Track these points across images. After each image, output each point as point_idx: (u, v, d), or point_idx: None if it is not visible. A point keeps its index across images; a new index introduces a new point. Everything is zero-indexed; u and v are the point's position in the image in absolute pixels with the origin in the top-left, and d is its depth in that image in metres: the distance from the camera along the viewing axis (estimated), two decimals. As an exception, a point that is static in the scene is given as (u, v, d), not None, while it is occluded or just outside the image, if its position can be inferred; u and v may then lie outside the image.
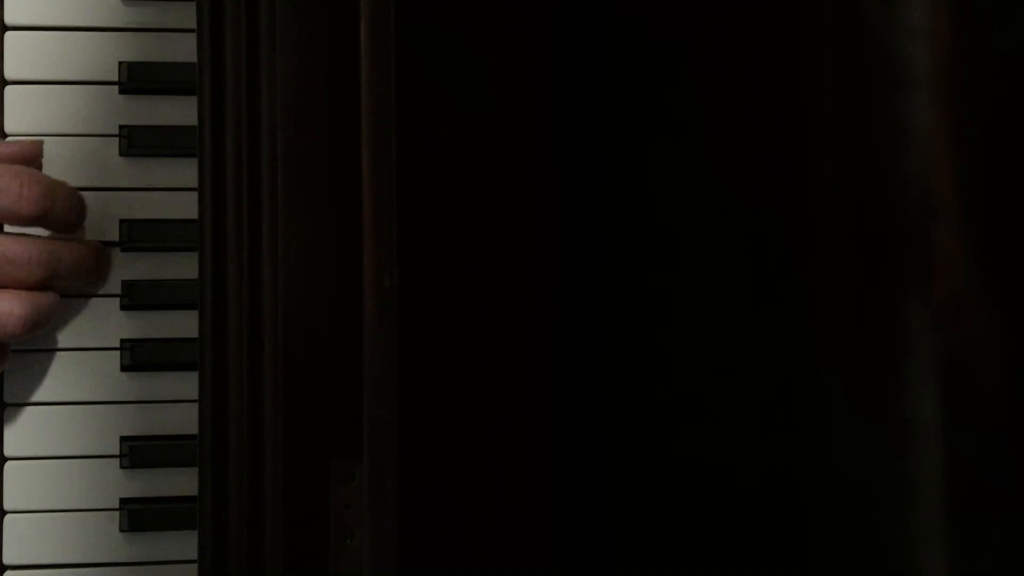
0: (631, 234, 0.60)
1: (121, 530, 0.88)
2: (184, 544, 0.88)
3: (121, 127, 0.89)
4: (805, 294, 0.60)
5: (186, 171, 0.89)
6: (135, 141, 0.89)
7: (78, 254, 0.87)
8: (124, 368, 0.88)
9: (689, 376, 0.60)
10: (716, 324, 0.60)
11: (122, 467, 0.88)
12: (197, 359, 0.73)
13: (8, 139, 0.88)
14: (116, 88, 0.89)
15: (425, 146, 0.58)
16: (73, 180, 0.88)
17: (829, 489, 0.60)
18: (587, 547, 0.59)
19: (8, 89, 0.89)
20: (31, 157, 0.88)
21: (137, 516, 0.88)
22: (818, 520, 0.60)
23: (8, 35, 0.89)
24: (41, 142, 0.88)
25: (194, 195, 0.77)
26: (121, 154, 0.89)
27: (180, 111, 0.90)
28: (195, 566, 0.73)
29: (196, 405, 0.74)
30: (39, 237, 0.87)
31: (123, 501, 0.88)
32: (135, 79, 0.89)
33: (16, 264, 0.85)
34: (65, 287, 0.88)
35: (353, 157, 0.59)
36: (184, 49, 0.88)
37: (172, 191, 0.89)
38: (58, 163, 0.89)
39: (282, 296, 0.68)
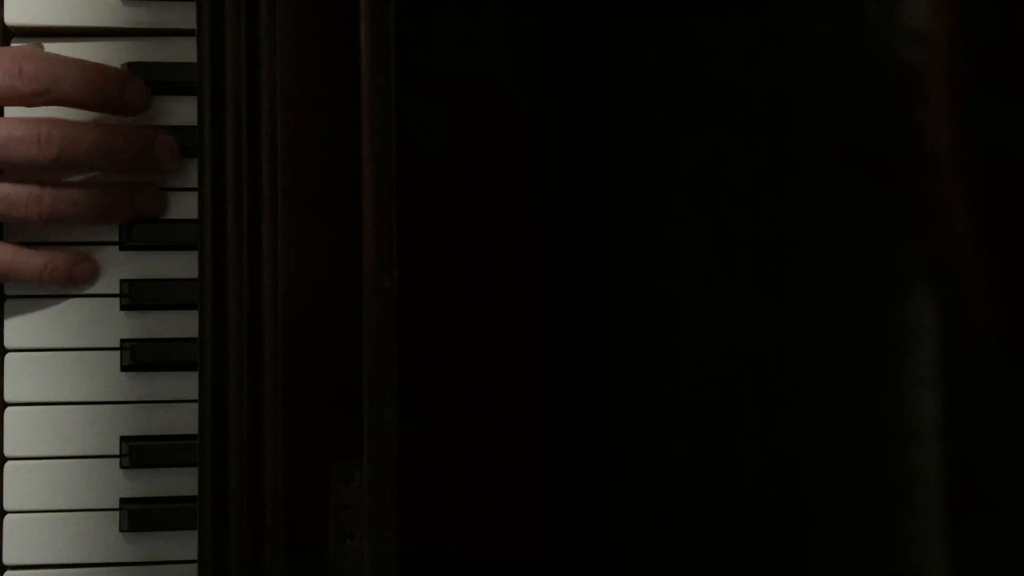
0: (630, 232, 0.60)
1: (121, 530, 0.88)
2: (184, 544, 0.88)
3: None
4: (805, 292, 0.60)
5: (186, 170, 0.89)
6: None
7: (104, 136, 0.85)
8: (124, 368, 0.88)
9: (688, 375, 0.60)
10: (715, 322, 0.60)
11: (122, 467, 0.88)
12: (197, 359, 0.73)
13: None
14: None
15: (425, 146, 0.58)
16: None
17: (829, 489, 0.60)
18: (587, 547, 0.60)
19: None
20: None
21: (137, 516, 0.88)
22: (818, 520, 0.60)
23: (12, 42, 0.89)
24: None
25: (194, 194, 0.77)
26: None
27: (182, 110, 0.90)
28: (195, 566, 0.73)
29: (196, 405, 0.74)
30: (55, 119, 0.84)
31: (123, 501, 0.88)
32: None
33: (23, 141, 0.83)
34: (119, 171, 0.86)
35: (353, 157, 0.59)
36: (184, 49, 0.88)
37: (171, 191, 0.89)
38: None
39: (282, 296, 0.68)
